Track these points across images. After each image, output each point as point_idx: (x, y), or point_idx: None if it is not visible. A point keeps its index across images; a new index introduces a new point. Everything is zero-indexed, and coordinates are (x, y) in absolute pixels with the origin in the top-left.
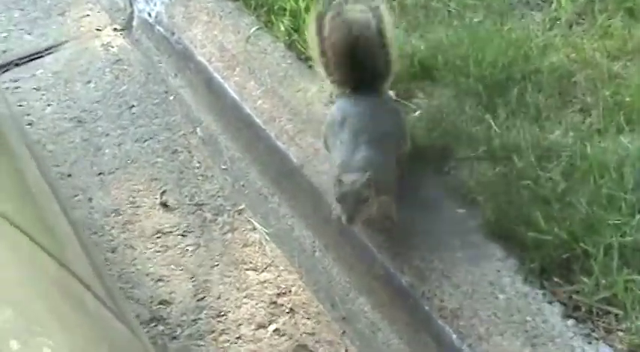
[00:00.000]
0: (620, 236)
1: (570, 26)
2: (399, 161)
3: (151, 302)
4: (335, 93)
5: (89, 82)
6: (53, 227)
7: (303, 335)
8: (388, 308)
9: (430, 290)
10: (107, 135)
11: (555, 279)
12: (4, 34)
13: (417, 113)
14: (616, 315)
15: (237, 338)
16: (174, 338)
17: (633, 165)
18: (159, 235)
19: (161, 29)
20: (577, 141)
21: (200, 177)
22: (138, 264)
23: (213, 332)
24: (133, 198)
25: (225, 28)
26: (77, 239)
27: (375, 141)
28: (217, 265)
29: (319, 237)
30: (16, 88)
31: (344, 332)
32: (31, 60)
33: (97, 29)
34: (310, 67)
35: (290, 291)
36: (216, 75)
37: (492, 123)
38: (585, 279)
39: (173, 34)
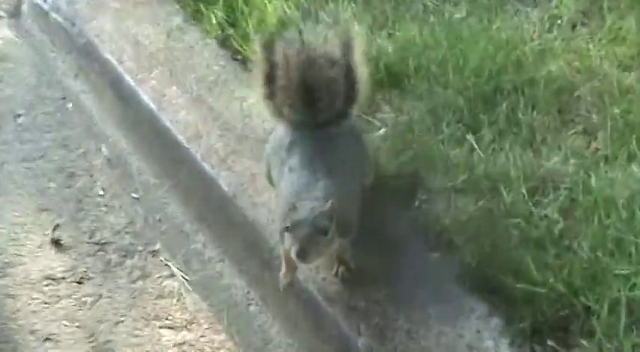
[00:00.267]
0: (629, 289)
1: (573, 27)
2: (361, 194)
3: None
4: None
5: None
6: None
7: None
8: None
9: None
10: None
11: (550, 343)
12: None
13: (382, 131)
14: None
15: None
16: None
17: None
18: (48, 282)
19: (58, 18)
20: (579, 170)
21: (104, 208)
22: (20, 318)
23: None
24: (16, 233)
25: (141, 19)
26: None
27: (334, 168)
28: (123, 321)
29: (255, 287)
30: None
31: None
32: None
33: None
34: (248, 70)
35: None
36: (127, 77)
37: (475, 145)
38: (586, 343)
39: (74, 24)
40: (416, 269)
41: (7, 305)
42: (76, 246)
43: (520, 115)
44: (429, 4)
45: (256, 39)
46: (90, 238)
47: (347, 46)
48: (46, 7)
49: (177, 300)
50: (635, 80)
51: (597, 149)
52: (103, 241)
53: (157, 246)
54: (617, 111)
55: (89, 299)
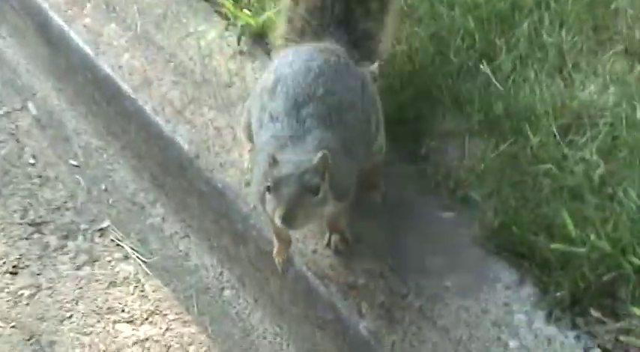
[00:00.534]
0: None
1: None
2: (369, 161)
3: None
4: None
5: None
6: None
7: None
8: None
9: (404, 340)
10: None
11: (594, 314)
12: None
13: (375, 66)
14: None
15: None
16: None
17: None
18: None
19: None
20: (621, 100)
21: (36, 180)
22: None
23: None
24: None
25: None
26: None
27: (326, 115)
28: (70, 317)
29: (229, 267)
30: None
31: None
32: None
33: None
34: None
35: None
36: (54, 16)
37: (492, 76)
38: (638, 311)
39: None
40: (426, 234)
41: None
42: (5, 229)
43: (545, 36)
44: None
45: None
46: (22, 218)
47: None
48: None
49: (135, 288)
50: None
51: None
52: (38, 221)
53: (106, 223)
54: None
55: (26, 293)
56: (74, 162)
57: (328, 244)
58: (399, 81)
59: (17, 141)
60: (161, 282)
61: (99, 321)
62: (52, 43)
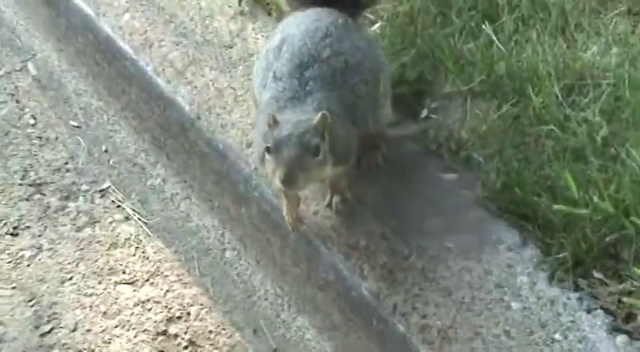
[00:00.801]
0: None
1: None
2: (374, 127)
3: None
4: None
5: None
6: None
7: None
8: (342, 333)
9: (406, 301)
10: None
11: (596, 275)
12: None
13: (377, 26)
14: None
15: None
16: None
17: None
18: None
19: None
20: (624, 61)
21: (36, 141)
22: None
23: None
24: None
25: None
26: None
27: (330, 77)
28: (70, 278)
29: (230, 228)
30: None
31: None
32: None
33: None
34: None
35: (188, 314)
36: None
37: (494, 37)
38: None
39: None
40: (428, 195)
41: None
42: (5, 190)
43: None
44: None
45: None
46: (22, 179)
47: None
48: None
49: (136, 249)
50: None
51: None
52: (38, 182)
53: (106, 184)
54: None
55: (27, 254)
56: (74, 123)
57: (329, 205)
58: (400, 41)
59: (17, 101)
60: (162, 243)
61: (100, 282)
62: (52, 3)
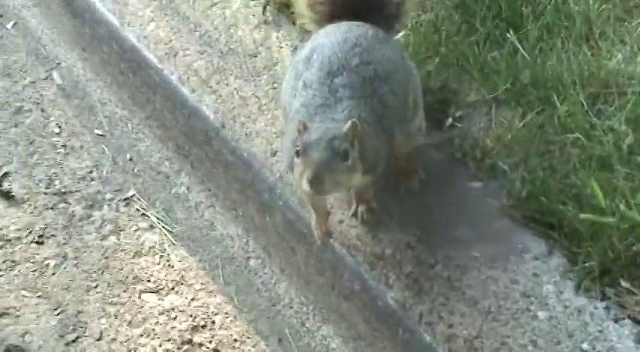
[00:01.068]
0: None
1: None
2: (407, 143)
3: None
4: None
5: None
6: None
7: None
8: (367, 343)
9: (432, 311)
10: None
11: (624, 284)
12: None
13: (401, 34)
14: None
15: None
16: None
17: None
18: (0, 243)
19: None
20: None
21: (62, 150)
22: None
23: None
24: None
25: None
26: None
27: (360, 86)
28: (95, 287)
29: (254, 236)
30: None
31: None
32: None
33: None
34: None
35: (213, 323)
36: None
37: (518, 45)
38: None
39: None
40: (454, 204)
41: None
42: (30, 198)
43: (572, 4)
44: None
45: None
46: (47, 187)
47: None
48: None
49: (160, 257)
50: None
51: None
52: (63, 190)
53: (131, 193)
54: None
55: (52, 263)
56: (99, 132)
57: (354, 214)
58: (425, 49)
59: (42, 110)
60: (186, 252)
61: (125, 291)
62: (77, 12)
